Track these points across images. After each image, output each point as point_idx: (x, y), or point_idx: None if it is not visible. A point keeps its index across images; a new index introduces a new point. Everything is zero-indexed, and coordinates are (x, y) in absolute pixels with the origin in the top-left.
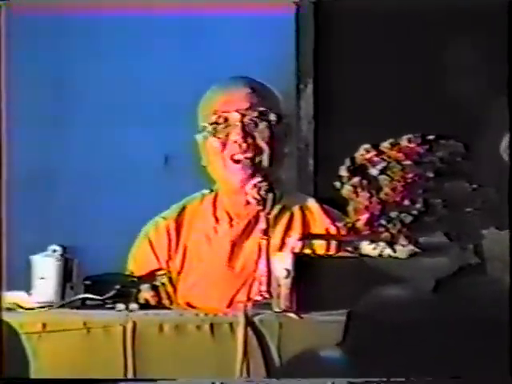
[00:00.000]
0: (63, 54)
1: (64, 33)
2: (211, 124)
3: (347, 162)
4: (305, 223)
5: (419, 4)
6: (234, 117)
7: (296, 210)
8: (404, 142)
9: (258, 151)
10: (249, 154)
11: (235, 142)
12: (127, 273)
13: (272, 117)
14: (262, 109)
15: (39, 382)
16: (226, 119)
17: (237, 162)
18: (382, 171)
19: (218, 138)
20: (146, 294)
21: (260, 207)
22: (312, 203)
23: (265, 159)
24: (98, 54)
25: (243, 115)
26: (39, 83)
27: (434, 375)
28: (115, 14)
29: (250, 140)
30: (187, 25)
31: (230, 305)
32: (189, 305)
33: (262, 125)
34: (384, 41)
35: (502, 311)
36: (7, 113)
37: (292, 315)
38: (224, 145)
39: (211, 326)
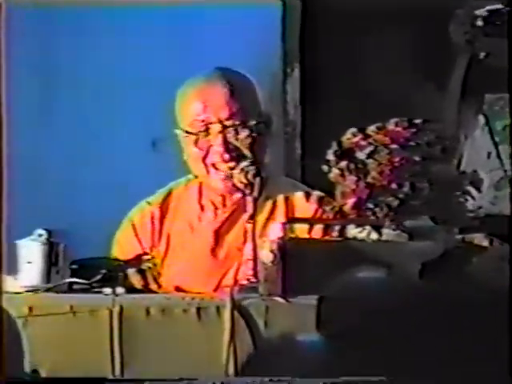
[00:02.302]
0: (54, 45)
1: (54, 26)
2: (192, 134)
3: (334, 145)
4: (288, 210)
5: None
6: (215, 128)
7: (280, 197)
8: (391, 125)
9: (241, 158)
10: (231, 164)
11: (217, 152)
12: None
13: (252, 122)
14: (242, 118)
15: (39, 382)
16: (207, 129)
17: (219, 169)
18: (369, 155)
19: (199, 148)
20: (132, 278)
21: (247, 191)
22: (296, 189)
23: (247, 163)
24: (86, 45)
25: (224, 126)
26: (29, 70)
27: (420, 361)
28: (107, 6)
29: (232, 151)
30: (173, 15)
31: (216, 290)
32: (175, 289)
33: (244, 133)
34: (372, 24)
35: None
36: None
37: (278, 299)
38: (206, 153)
39: (198, 309)
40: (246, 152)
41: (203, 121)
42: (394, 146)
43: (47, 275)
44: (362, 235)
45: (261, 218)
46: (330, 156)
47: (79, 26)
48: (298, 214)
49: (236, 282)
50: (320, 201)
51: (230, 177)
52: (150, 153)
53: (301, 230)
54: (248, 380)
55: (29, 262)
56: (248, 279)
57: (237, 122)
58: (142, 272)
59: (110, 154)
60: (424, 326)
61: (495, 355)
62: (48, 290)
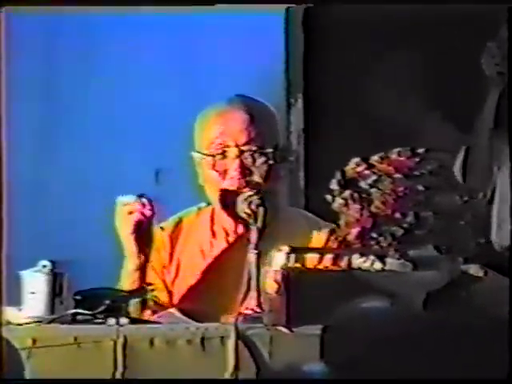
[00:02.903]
0: (58, 68)
1: (61, 46)
2: (208, 155)
3: (338, 175)
4: (299, 240)
5: (414, 12)
6: (232, 152)
7: (291, 227)
8: (394, 155)
9: (255, 186)
10: (249, 193)
11: (233, 177)
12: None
13: (269, 150)
14: (260, 144)
15: (39, 382)
16: (224, 152)
17: (235, 195)
18: (373, 184)
19: (216, 170)
20: (133, 308)
21: (251, 221)
22: (307, 220)
23: (251, 193)
24: (94, 65)
25: (241, 151)
26: (32, 92)
27: None
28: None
29: (247, 176)
30: (178, 42)
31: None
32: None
33: (260, 160)
34: (374, 53)
35: (497, 323)
36: (3, 126)
37: (283, 329)
38: (222, 178)
39: (202, 340)
40: (260, 179)
41: (221, 144)
42: (398, 176)
43: (51, 306)
44: (366, 265)
45: (271, 248)
46: (334, 185)
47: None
48: (309, 245)
49: (240, 312)
50: (331, 231)
51: (247, 202)
52: (156, 183)
53: (310, 259)
54: None
55: (32, 293)
56: (252, 309)
57: (254, 148)
58: (144, 303)
59: (114, 182)
60: (428, 355)
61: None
62: (52, 321)
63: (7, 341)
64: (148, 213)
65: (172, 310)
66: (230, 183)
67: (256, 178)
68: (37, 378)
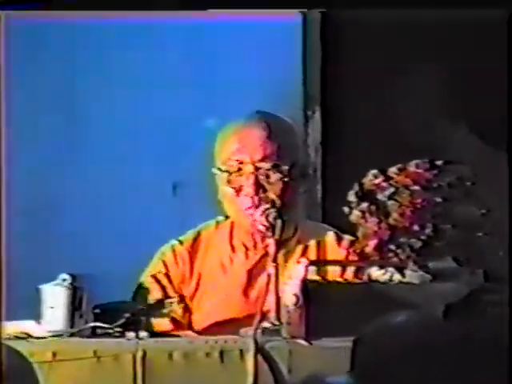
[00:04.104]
0: (73, 78)
1: (72, 55)
2: (224, 171)
3: (355, 187)
4: (320, 255)
5: (438, 19)
6: (248, 169)
7: (311, 242)
8: (412, 167)
9: (270, 203)
10: (266, 206)
11: (247, 195)
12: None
13: (285, 167)
14: (275, 161)
15: None
16: (240, 169)
17: (250, 213)
18: (391, 197)
19: (232, 187)
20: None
21: (269, 234)
22: (327, 234)
23: (268, 206)
24: (109, 79)
25: (256, 168)
26: (49, 107)
27: None
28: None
29: (261, 193)
30: (194, 55)
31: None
32: (201, 331)
33: (275, 177)
34: (391, 64)
35: None
36: (8, 139)
37: (302, 342)
38: (238, 193)
39: (221, 353)
40: (273, 196)
41: (237, 160)
42: (416, 188)
43: (71, 320)
44: (385, 277)
45: (291, 264)
46: (351, 197)
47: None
48: (329, 258)
49: (259, 325)
50: (351, 244)
51: (265, 215)
52: (173, 197)
53: (330, 272)
54: None
55: (51, 307)
56: (271, 322)
57: (269, 165)
58: (163, 316)
59: (133, 197)
60: (448, 366)
61: None
62: (71, 334)
63: (20, 354)
64: None
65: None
66: (245, 200)
67: (270, 194)
68: None
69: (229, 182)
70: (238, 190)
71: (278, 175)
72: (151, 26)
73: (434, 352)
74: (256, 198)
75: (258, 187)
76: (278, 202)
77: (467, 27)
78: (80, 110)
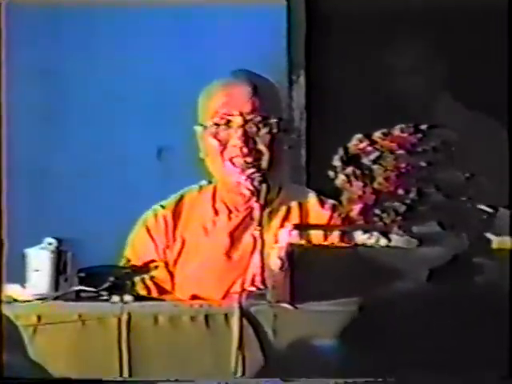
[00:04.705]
0: (60, 50)
1: (61, 28)
2: (212, 125)
3: (340, 151)
4: (302, 217)
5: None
6: (237, 121)
7: (294, 204)
8: (396, 131)
9: (258, 155)
10: (249, 159)
11: (235, 146)
12: (124, 260)
13: (273, 120)
14: (264, 114)
15: (39, 382)
16: (228, 121)
17: (236, 164)
18: (375, 161)
19: (219, 140)
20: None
21: (254, 198)
22: (310, 197)
23: (264, 162)
24: (95, 49)
25: (246, 120)
26: (35, 79)
27: (430, 368)
28: (111, 7)
29: (251, 145)
30: (180, 19)
31: (225, 296)
32: (188, 293)
33: (264, 130)
34: (376, 31)
35: (500, 300)
36: (5, 108)
37: (286, 306)
38: (224, 146)
39: (206, 317)
40: (263, 148)
41: (225, 113)
42: (400, 152)
43: (55, 283)
44: (371, 241)
45: (275, 225)
46: (336, 162)
47: (86, 27)
48: (312, 221)
49: (244, 288)
50: (334, 208)
51: (245, 169)
52: (158, 161)
53: (316, 236)
54: (252, 381)
55: (36, 270)
56: (256, 286)
57: (258, 118)
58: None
59: (118, 161)
60: (432, 328)
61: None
62: (56, 298)
63: (7, 319)
64: None
65: None
66: (233, 151)
67: (260, 147)
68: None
69: (215, 135)
70: (226, 143)
71: (267, 128)
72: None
73: (420, 317)
74: (245, 149)
75: (247, 138)
76: (266, 155)
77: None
78: (65, 81)
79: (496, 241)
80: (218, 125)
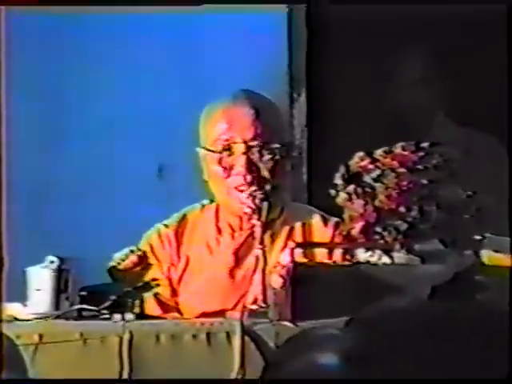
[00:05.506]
0: (60, 63)
1: (62, 44)
2: (215, 152)
3: (342, 169)
4: (306, 235)
5: (416, 10)
6: (239, 148)
7: (297, 224)
8: (398, 149)
9: (263, 182)
10: (253, 187)
11: (239, 173)
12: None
13: (276, 145)
14: (266, 140)
15: (39, 382)
16: (230, 148)
17: (241, 191)
18: (377, 179)
19: (223, 167)
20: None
21: (255, 216)
22: (313, 215)
23: (268, 186)
24: (96, 62)
25: (248, 147)
26: (37, 94)
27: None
28: (112, 22)
29: (254, 172)
30: (180, 35)
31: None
32: (189, 312)
33: (267, 156)
34: (377, 47)
35: (501, 317)
36: (5, 125)
37: (288, 324)
38: (228, 174)
39: (208, 335)
40: (267, 174)
41: (227, 140)
42: (402, 170)
43: (57, 302)
44: (373, 259)
45: (278, 244)
46: (338, 180)
47: (86, 40)
48: (315, 240)
49: (246, 307)
50: (337, 226)
51: (252, 197)
52: (160, 180)
53: (317, 254)
54: None
55: (38, 289)
56: (258, 304)
57: (261, 144)
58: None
59: (120, 181)
60: (434, 347)
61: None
62: (58, 317)
63: (8, 338)
64: None
65: None
66: (237, 179)
67: (264, 173)
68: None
69: (219, 161)
70: (229, 170)
71: (270, 154)
72: (136, 15)
73: (421, 334)
74: (248, 177)
75: (251, 166)
76: (270, 181)
77: (463, 20)
78: (66, 96)
79: (486, 256)
80: (221, 152)
